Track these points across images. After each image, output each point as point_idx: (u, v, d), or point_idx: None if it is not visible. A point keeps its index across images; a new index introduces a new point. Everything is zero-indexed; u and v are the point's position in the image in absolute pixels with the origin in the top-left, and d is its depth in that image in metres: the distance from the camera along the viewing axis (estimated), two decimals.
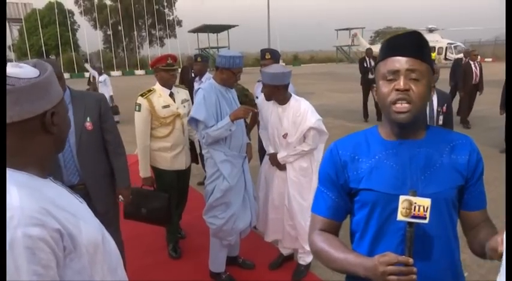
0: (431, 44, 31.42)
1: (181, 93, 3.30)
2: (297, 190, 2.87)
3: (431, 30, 33.15)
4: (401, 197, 1.04)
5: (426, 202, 1.03)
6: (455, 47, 30.97)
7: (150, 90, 3.12)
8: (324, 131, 2.80)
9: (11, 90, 0.85)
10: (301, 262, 3.08)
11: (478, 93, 8.56)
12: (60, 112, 0.96)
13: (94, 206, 2.11)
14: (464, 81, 8.38)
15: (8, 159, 0.89)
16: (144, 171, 3.16)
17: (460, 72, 8.60)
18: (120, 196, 2.54)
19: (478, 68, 8.38)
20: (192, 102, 3.01)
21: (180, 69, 8.51)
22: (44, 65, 0.96)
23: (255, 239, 3.20)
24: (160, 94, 3.13)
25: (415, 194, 1.04)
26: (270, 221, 3.04)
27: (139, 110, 3.05)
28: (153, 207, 3.05)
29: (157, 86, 3.17)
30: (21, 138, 0.90)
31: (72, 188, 1.60)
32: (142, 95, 3.08)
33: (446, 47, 31.37)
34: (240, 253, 3.22)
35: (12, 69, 0.90)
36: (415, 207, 1.03)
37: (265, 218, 3.06)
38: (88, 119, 2.29)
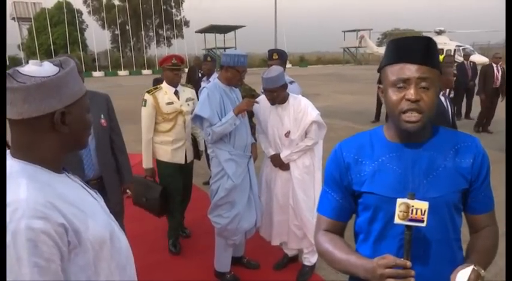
0: (439, 47, 31.04)
1: (187, 92, 3.45)
2: (302, 188, 2.87)
3: (439, 33, 32.94)
4: (399, 200, 1.03)
5: (424, 205, 1.01)
6: (463, 50, 30.71)
7: (156, 88, 3.33)
8: (323, 125, 2.84)
9: (20, 88, 0.86)
10: (306, 262, 3.07)
11: (499, 98, 8.08)
12: (73, 112, 0.95)
13: (109, 200, 2.23)
14: (484, 84, 8.00)
15: (23, 152, 0.92)
16: (146, 162, 3.35)
17: (463, 73, 8.43)
18: (127, 190, 2.69)
19: (500, 71, 7.99)
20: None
21: (187, 69, 8.56)
22: (67, 63, 0.95)
23: (260, 239, 3.19)
24: (165, 91, 3.31)
25: (413, 197, 1.03)
26: (275, 224, 3.02)
27: (145, 105, 3.25)
28: (150, 197, 3.24)
29: (164, 84, 3.35)
30: (32, 134, 0.91)
31: (88, 182, 1.64)
32: (148, 92, 3.29)
33: (455, 50, 31.12)
34: (245, 253, 3.23)
35: (30, 67, 0.91)
36: (412, 210, 1.02)
37: (270, 221, 3.05)
38: (102, 116, 2.42)
